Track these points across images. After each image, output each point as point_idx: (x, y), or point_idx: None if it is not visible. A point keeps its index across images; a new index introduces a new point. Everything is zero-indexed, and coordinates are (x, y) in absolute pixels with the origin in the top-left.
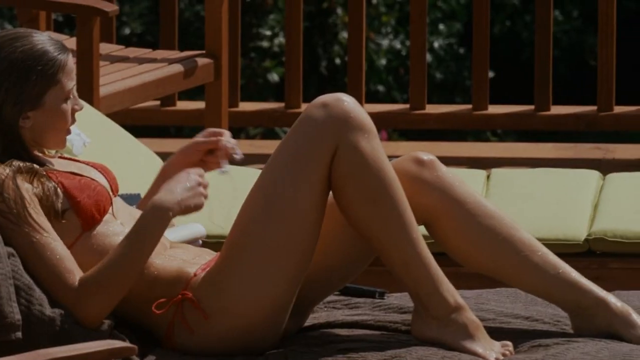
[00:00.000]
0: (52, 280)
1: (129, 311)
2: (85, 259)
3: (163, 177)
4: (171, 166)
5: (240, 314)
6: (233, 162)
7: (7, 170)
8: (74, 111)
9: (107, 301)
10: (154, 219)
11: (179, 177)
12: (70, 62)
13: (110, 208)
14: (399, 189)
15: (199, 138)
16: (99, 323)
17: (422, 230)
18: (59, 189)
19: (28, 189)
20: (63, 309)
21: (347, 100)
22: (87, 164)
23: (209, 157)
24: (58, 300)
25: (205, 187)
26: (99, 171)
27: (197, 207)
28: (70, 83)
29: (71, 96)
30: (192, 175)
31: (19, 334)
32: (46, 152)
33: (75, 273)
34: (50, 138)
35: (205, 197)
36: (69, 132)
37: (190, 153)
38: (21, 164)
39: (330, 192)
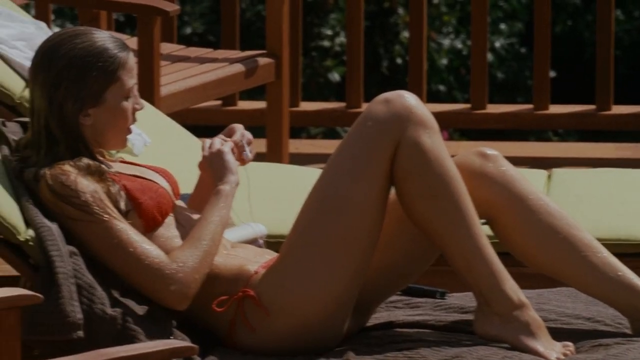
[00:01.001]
0: (140, 269)
1: (191, 310)
2: None
3: (204, 178)
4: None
5: (301, 312)
6: (244, 161)
7: (77, 167)
8: (134, 110)
9: (195, 283)
10: (223, 197)
11: (216, 159)
12: (131, 60)
13: (172, 210)
14: (460, 184)
15: (220, 136)
16: (187, 305)
17: (485, 230)
18: (122, 191)
19: (97, 188)
20: (128, 309)
21: (408, 97)
22: (149, 167)
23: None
24: (147, 288)
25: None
26: (161, 175)
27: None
28: (131, 81)
29: (132, 95)
30: (220, 149)
31: (81, 333)
32: (106, 155)
33: (162, 258)
34: (111, 137)
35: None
36: (129, 131)
37: None
38: (90, 162)
39: (392, 190)
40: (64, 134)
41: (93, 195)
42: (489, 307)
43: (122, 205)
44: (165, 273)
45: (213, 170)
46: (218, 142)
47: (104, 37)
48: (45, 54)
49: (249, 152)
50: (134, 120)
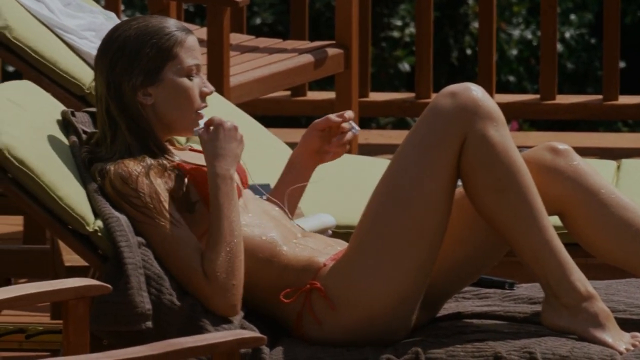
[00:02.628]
0: (188, 274)
1: (260, 301)
2: None
3: (290, 168)
4: (297, 156)
5: (368, 305)
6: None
7: (140, 166)
8: (203, 94)
9: (235, 288)
10: (225, 188)
11: (217, 137)
12: (192, 41)
13: (241, 199)
14: (527, 177)
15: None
16: (239, 308)
17: (553, 220)
18: (189, 182)
19: (160, 184)
20: (196, 300)
21: (475, 90)
22: None
23: (330, 145)
24: (195, 294)
25: (236, 129)
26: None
27: (241, 149)
28: (191, 60)
29: (195, 75)
30: (223, 129)
31: (149, 324)
32: (176, 144)
33: (203, 275)
34: (177, 119)
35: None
36: (199, 115)
37: (310, 137)
38: (153, 161)
39: (460, 184)
40: (123, 115)
41: (152, 197)
42: (556, 299)
43: (190, 196)
44: (205, 293)
45: (213, 146)
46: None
47: (163, 19)
48: (104, 40)
49: (356, 127)
50: (203, 103)
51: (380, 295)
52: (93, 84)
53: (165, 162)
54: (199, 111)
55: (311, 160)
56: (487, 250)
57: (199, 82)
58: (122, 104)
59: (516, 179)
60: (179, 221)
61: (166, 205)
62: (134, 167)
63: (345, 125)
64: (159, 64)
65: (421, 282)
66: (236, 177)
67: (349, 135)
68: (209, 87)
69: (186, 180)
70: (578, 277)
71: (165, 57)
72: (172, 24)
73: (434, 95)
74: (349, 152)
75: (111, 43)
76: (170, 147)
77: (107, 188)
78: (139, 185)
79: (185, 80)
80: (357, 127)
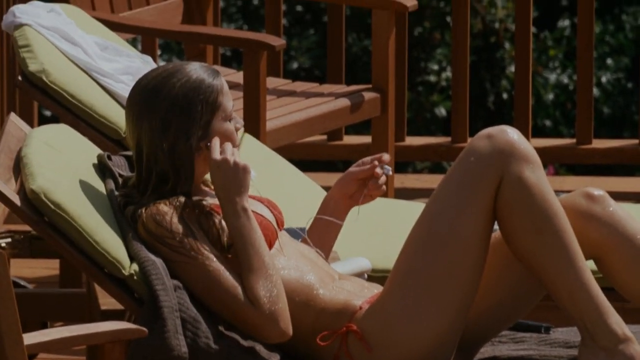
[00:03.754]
0: (233, 306)
1: (295, 344)
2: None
3: (324, 211)
4: (330, 199)
5: (404, 348)
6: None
7: (172, 207)
8: (236, 130)
9: (282, 311)
10: (243, 221)
11: (221, 172)
12: (224, 83)
13: (277, 242)
14: (564, 219)
15: (353, 168)
16: (289, 333)
17: (589, 264)
18: (224, 223)
19: (194, 223)
20: (232, 343)
21: (511, 132)
22: (254, 198)
23: (368, 189)
24: (244, 326)
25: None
26: (265, 205)
27: (246, 173)
28: (230, 103)
29: (232, 116)
30: (226, 160)
31: None
32: (210, 186)
33: (248, 304)
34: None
35: (243, 166)
36: (233, 152)
37: (346, 183)
38: (187, 200)
39: (496, 227)
40: (177, 174)
41: (186, 236)
42: (593, 341)
43: (225, 237)
44: (254, 322)
45: (225, 177)
46: (231, 147)
47: (196, 68)
48: (146, 100)
49: (388, 167)
50: (234, 141)
51: (418, 337)
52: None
53: (198, 203)
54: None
55: (344, 204)
56: (522, 294)
57: (234, 122)
58: (179, 163)
59: (553, 221)
60: (216, 256)
61: (201, 242)
62: (166, 208)
63: (377, 170)
64: (210, 117)
65: (458, 325)
66: (272, 219)
67: (382, 179)
68: (240, 122)
69: (217, 220)
70: (615, 319)
71: (213, 109)
72: (206, 74)
73: (470, 140)
74: (385, 195)
75: (159, 104)
76: (206, 189)
77: (140, 232)
78: (172, 225)
79: (229, 125)
80: (388, 167)
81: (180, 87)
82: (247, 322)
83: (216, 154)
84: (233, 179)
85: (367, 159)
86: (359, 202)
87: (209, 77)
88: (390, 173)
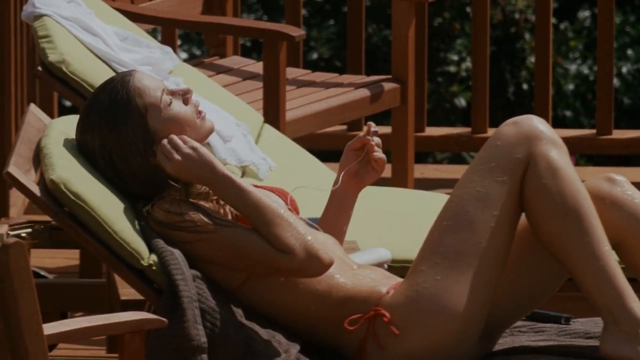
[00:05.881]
0: (268, 262)
1: (317, 334)
2: (266, 285)
3: (332, 199)
4: (339, 183)
5: (431, 332)
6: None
7: (176, 196)
8: (186, 102)
9: (315, 241)
10: (233, 188)
11: (183, 172)
12: (139, 80)
13: None
14: (590, 204)
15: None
16: (330, 262)
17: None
18: (231, 214)
19: (201, 203)
20: (251, 334)
21: (537, 120)
22: (266, 188)
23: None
24: (287, 275)
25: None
26: (277, 194)
27: (198, 151)
28: (156, 95)
29: (170, 100)
30: (177, 161)
31: (204, 357)
32: None
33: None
34: (193, 137)
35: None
36: (199, 114)
37: (347, 159)
38: (185, 188)
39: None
40: (154, 184)
41: (198, 213)
42: (616, 327)
43: (229, 209)
44: (295, 266)
45: (190, 172)
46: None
47: (103, 91)
48: (85, 145)
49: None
50: (196, 108)
51: (445, 321)
52: None
53: (195, 190)
54: (199, 110)
55: (352, 186)
56: (544, 280)
57: (176, 99)
58: (141, 177)
59: (579, 204)
60: (232, 222)
61: (213, 215)
62: (170, 199)
63: (367, 137)
64: (144, 125)
65: (484, 309)
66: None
67: (377, 142)
68: (185, 91)
69: (230, 212)
70: (638, 305)
71: (140, 116)
72: (113, 89)
73: (490, 130)
74: (405, 186)
75: (91, 145)
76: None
77: (153, 226)
78: (182, 208)
79: (167, 111)
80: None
81: (100, 119)
82: (290, 270)
83: (167, 165)
84: (196, 167)
85: (361, 133)
86: (364, 182)
87: (119, 90)
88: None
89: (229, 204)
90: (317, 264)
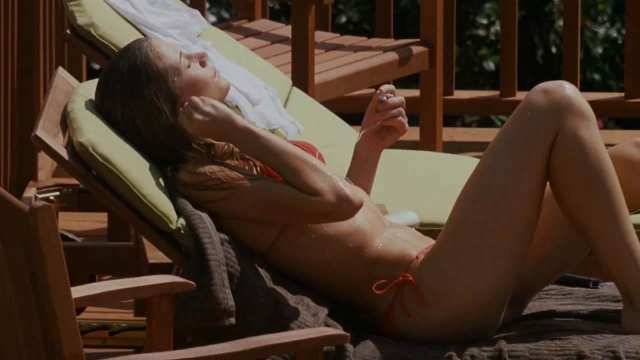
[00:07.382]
0: (301, 208)
1: (347, 295)
2: (296, 245)
3: (355, 158)
4: (359, 143)
5: (459, 299)
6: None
7: (198, 157)
8: (203, 64)
9: (340, 182)
10: (255, 139)
11: (205, 129)
12: (156, 45)
13: None
14: (615, 178)
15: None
16: (359, 204)
17: (633, 219)
18: (259, 168)
19: (224, 162)
20: (279, 297)
21: (568, 87)
22: (291, 142)
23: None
24: (323, 219)
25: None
26: (304, 149)
27: (215, 106)
28: (174, 58)
29: (188, 63)
30: (198, 120)
31: (232, 320)
32: None
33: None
34: (210, 95)
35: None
36: (215, 73)
37: (368, 119)
38: (207, 148)
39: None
40: (177, 148)
41: (223, 170)
42: (634, 304)
43: (253, 163)
44: (327, 209)
45: (211, 130)
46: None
47: (120, 58)
48: (108, 111)
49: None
50: (212, 68)
51: (473, 289)
52: None
53: (232, 148)
54: (217, 74)
55: (373, 145)
56: (571, 248)
57: (193, 61)
58: (164, 141)
59: (604, 179)
60: (257, 175)
61: (238, 170)
62: (193, 160)
63: (379, 97)
64: (164, 87)
65: (512, 277)
66: None
67: (394, 109)
68: (200, 55)
69: (239, 155)
70: None
71: (161, 80)
72: (133, 55)
73: (518, 94)
74: (434, 149)
75: (115, 113)
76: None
77: (180, 190)
78: (206, 168)
79: (190, 75)
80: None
81: (122, 86)
82: (321, 214)
83: (189, 125)
84: (217, 124)
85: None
86: (386, 142)
87: (138, 56)
88: (385, 98)
89: (254, 156)
90: (347, 205)
